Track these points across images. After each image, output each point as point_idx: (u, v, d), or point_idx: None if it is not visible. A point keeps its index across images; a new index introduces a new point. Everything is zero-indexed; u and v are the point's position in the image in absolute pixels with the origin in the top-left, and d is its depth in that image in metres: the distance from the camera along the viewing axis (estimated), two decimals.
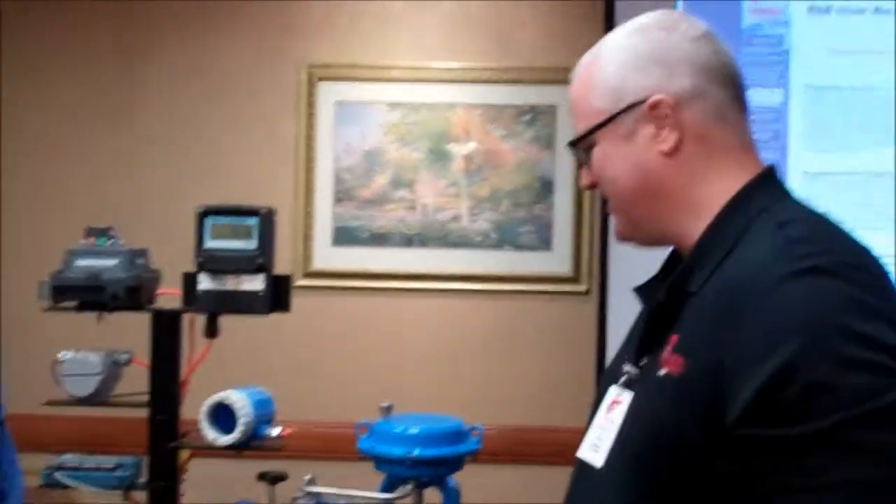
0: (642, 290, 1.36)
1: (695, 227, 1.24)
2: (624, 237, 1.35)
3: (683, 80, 1.24)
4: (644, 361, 1.25)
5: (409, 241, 3.54)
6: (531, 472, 3.34)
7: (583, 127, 1.31)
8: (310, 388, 3.40)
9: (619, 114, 1.26)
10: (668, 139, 1.25)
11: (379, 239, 3.54)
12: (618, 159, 1.28)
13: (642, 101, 1.25)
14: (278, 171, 3.51)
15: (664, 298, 1.23)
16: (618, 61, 1.27)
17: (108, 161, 3.54)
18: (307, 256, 3.51)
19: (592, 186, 1.34)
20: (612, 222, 1.36)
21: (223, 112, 3.54)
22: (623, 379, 1.27)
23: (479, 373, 3.48)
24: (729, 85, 1.27)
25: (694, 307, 1.19)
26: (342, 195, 3.54)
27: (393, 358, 3.51)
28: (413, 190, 3.54)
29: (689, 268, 1.22)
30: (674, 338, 1.18)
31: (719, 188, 1.24)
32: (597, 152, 1.30)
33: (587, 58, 1.33)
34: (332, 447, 2.94)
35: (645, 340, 1.26)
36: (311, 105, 3.52)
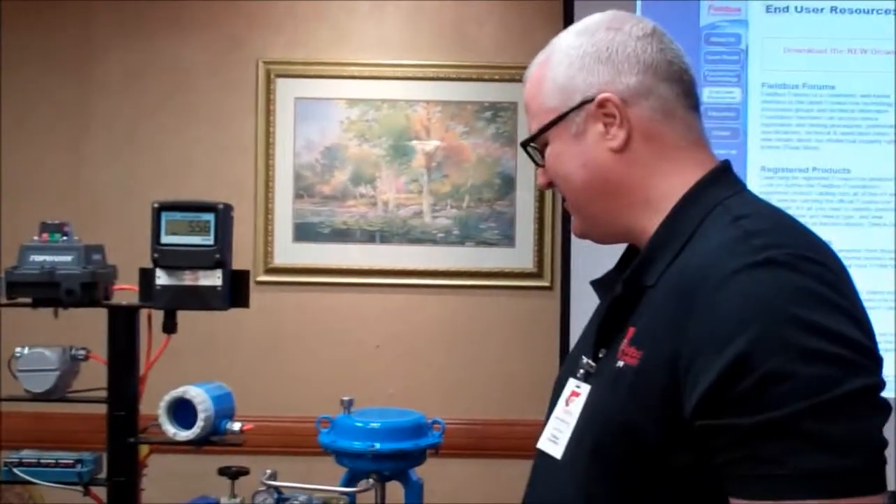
0: (599, 284, 1.37)
1: (650, 222, 1.26)
2: (581, 234, 1.36)
3: (630, 79, 1.26)
4: (602, 354, 1.26)
5: (370, 237, 3.54)
6: (493, 466, 3.35)
7: (535, 126, 1.32)
8: (270, 383, 3.39)
9: (568, 112, 1.28)
10: (617, 136, 1.26)
11: (340, 235, 3.53)
12: (569, 157, 1.30)
13: (591, 100, 1.26)
14: (238, 168, 3.50)
15: (621, 292, 1.24)
16: (566, 61, 1.29)
17: (66, 157, 3.51)
18: (267, 252, 3.50)
19: (549, 185, 1.35)
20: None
21: (182, 109, 3.51)
22: (581, 372, 1.28)
23: (441, 367, 3.49)
24: (676, 82, 1.29)
25: (650, 300, 1.20)
26: (302, 191, 3.53)
27: (354, 353, 3.51)
28: (374, 186, 3.54)
29: (645, 261, 1.24)
30: (630, 330, 1.20)
31: (673, 183, 1.26)
32: (550, 151, 1.32)
33: (539, 57, 1.34)
34: (294, 442, 2.95)
35: (602, 333, 1.27)
36: (270, 102, 3.51)
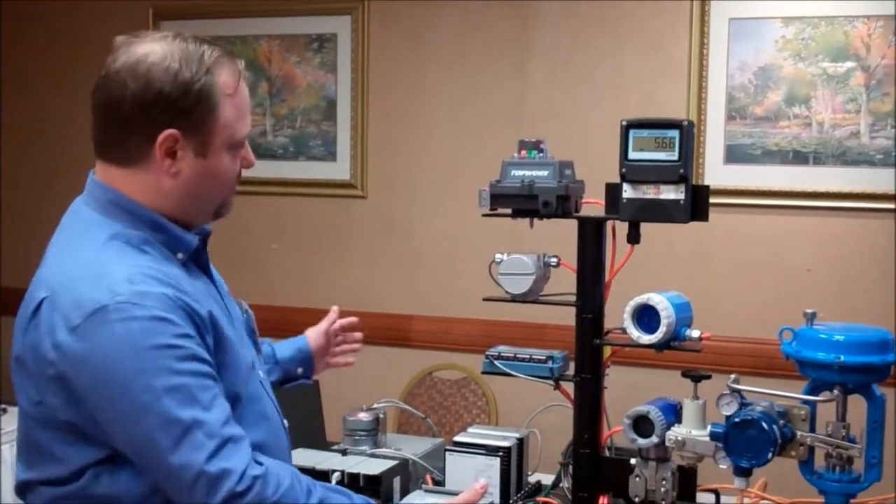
0: None
1: None
2: None
3: None
4: None
5: (803, 158, 3.49)
6: None
7: None
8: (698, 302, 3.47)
9: None
10: None
11: (771, 156, 3.51)
12: None
13: None
14: (671, 90, 3.58)
15: None
16: None
17: (511, 83, 3.76)
18: (698, 174, 3.55)
19: None
20: None
21: (616, 34, 3.64)
22: None
23: (875, 292, 3.39)
24: None
25: None
26: (734, 113, 3.53)
27: (783, 276, 3.50)
28: (809, 106, 3.47)
29: None
30: None
31: None
32: None
33: None
34: (729, 362, 3.00)
35: None
36: (704, 24, 3.54)
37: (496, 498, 2.21)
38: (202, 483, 1.39)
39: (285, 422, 1.71)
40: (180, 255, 1.54)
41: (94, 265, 1.45)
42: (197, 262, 1.61)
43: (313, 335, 2.22)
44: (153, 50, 1.47)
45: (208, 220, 1.62)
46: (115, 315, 1.38)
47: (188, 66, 1.46)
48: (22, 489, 1.50)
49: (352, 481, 2.14)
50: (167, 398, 1.38)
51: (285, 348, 2.16)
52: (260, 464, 1.46)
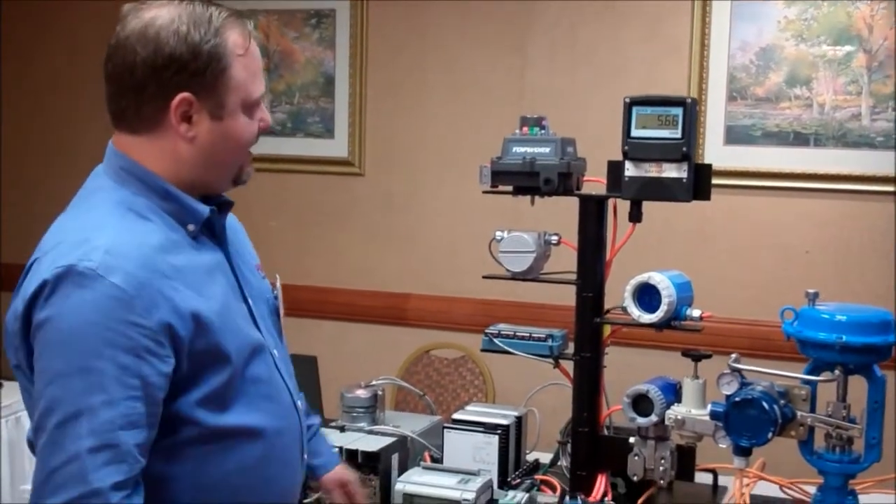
0: None
1: None
2: None
3: None
4: None
5: (804, 140, 3.47)
6: None
7: None
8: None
9: None
10: None
11: (772, 137, 3.50)
12: None
13: None
14: (672, 70, 3.57)
15: None
16: None
17: (512, 60, 3.75)
18: (698, 155, 3.53)
19: None
20: None
21: (619, 12, 3.62)
22: None
23: (873, 276, 3.39)
24: None
25: None
26: (735, 93, 3.52)
27: (782, 258, 3.50)
28: (810, 88, 3.46)
29: None
30: None
31: None
32: None
33: None
34: (729, 343, 2.99)
35: None
36: (706, 3, 3.51)
37: (494, 476, 2.21)
38: (65, 473, 1.34)
39: (300, 404, 1.67)
40: (191, 227, 1.52)
41: (83, 230, 1.43)
42: (212, 233, 1.58)
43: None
44: (160, 14, 1.46)
45: (228, 186, 1.61)
46: (77, 280, 1.36)
47: (197, 28, 1.45)
48: (31, 444, 1.49)
49: (350, 457, 2.14)
50: (77, 377, 1.35)
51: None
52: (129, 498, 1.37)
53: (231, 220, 1.69)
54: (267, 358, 1.59)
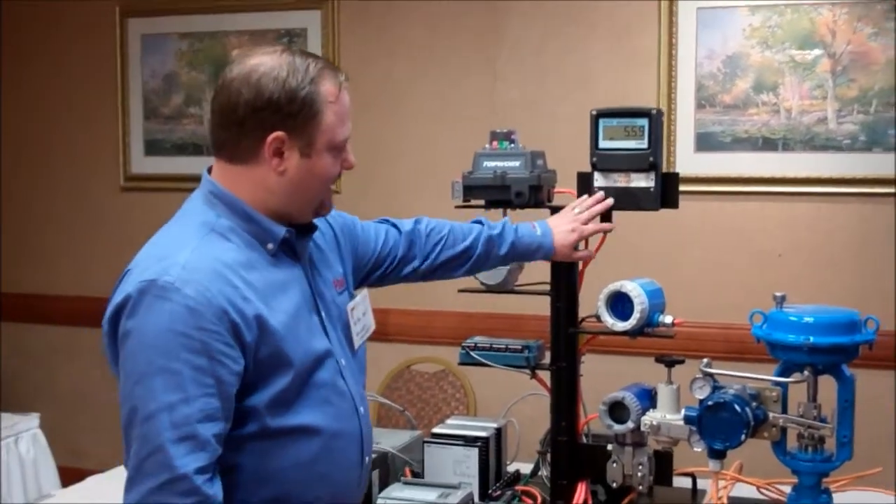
0: None
1: None
2: None
3: None
4: None
5: (772, 145, 3.52)
6: None
7: None
8: (672, 288, 3.50)
9: None
10: None
11: (741, 143, 3.55)
12: None
13: None
14: (640, 79, 3.61)
15: None
16: None
17: (482, 78, 3.78)
18: (669, 162, 3.57)
19: None
20: None
21: (585, 24, 3.66)
22: None
23: (851, 275, 3.44)
24: None
25: None
26: (704, 101, 3.57)
27: (756, 261, 3.54)
28: (777, 94, 3.51)
29: None
30: None
31: None
32: None
33: None
34: (696, 346, 3.02)
35: None
36: (672, 13, 3.57)
37: (475, 489, 2.23)
38: (153, 461, 1.49)
39: (362, 409, 1.77)
40: (270, 246, 1.67)
41: (168, 247, 1.59)
42: (294, 251, 1.72)
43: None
44: (264, 62, 1.64)
45: (309, 217, 1.76)
46: (157, 292, 1.52)
47: (294, 76, 1.64)
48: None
49: None
50: (158, 378, 1.49)
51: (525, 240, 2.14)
52: (210, 481, 1.52)
53: (327, 233, 1.89)
54: (332, 365, 1.71)
